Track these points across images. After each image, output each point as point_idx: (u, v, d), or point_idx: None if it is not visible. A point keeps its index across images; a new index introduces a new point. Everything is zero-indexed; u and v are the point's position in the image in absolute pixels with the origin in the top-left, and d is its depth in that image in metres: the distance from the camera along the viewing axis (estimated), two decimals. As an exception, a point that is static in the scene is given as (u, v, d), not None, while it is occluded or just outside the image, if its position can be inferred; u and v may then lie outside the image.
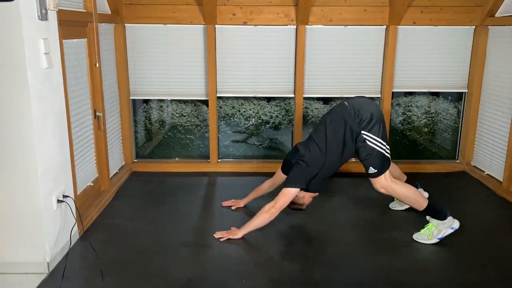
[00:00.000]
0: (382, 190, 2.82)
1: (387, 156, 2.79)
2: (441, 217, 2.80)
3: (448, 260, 2.62)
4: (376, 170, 2.77)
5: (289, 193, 2.79)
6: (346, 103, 2.85)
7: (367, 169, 2.80)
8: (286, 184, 2.81)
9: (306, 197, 2.97)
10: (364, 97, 2.95)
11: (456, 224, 2.80)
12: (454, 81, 4.14)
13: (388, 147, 2.81)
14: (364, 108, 2.78)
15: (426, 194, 3.30)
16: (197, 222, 3.11)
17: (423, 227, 2.83)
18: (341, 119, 2.79)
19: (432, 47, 4.04)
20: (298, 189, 2.81)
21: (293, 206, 2.97)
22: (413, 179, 3.39)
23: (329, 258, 2.65)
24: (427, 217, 2.87)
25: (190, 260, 2.62)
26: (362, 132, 2.75)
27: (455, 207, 3.34)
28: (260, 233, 2.85)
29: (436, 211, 2.83)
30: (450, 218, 2.80)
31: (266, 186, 3.23)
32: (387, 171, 2.79)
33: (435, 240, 2.77)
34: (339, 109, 2.87)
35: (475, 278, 2.41)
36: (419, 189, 3.30)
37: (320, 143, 2.83)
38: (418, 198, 2.83)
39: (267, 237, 2.88)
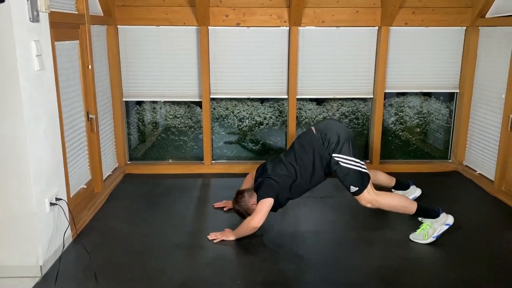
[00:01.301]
0: (368, 205, 2.84)
1: (364, 172, 2.82)
2: (434, 215, 2.82)
3: (441, 258, 2.63)
4: (357, 188, 2.80)
5: (265, 205, 2.75)
6: (313, 129, 2.91)
7: (348, 188, 2.83)
8: (258, 198, 2.80)
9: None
10: (332, 119, 3.00)
11: (450, 219, 2.80)
12: (446, 81, 4.17)
13: (362, 163, 2.84)
14: (330, 130, 2.84)
15: (418, 191, 3.31)
16: (191, 223, 3.10)
17: (418, 227, 2.84)
18: (310, 146, 2.85)
19: (423, 47, 4.07)
20: (272, 199, 2.78)
21: (239, 211, 2.96)
22: (405, 179, 3.42)
23: (323, 258, 2.66)
24: (420, 218, 2.89)
25: (184, 262, 2.61)
26: (333, 155, 2.80)
27: (448, 206, 3.35)
28: (254, 235, 2.85)
29: (427, 211, 2.85)
30: (443, 215, 2.81)
31: (250, 178, 3.23)
32: (369, 186, 2.81)
33: (431, 239, 2.78)
34: (307, 136, 2.92)
35: (468, 276, 2.43)
36: (411, 186, 3.31)
37: (289, 167, 2.87)
38: (406, 204, 2.84)
39: (261, 238, 2.88)
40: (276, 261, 2.62)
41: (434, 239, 2.77)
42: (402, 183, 3.35)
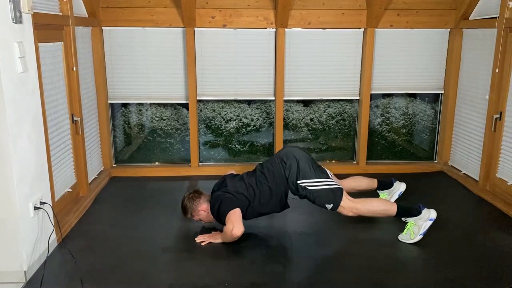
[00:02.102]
0: (350, 214, 2.85)
1: (334, 187, 2.84)
2: (416, 213, 2.83)
3: (427, 258, 2.66)
4: (332, 204, 2.82)
5: (234, 215, 2.74)
6: (275, 157, 2.96)
7: (324, 207, 2.85)
8: (222, 212, 2.79)
9: (207, 217, 2.96)
10: (291, 146, 3.04)
11: (433, 214, 2.81)
12: (431, 82, 4.22)
13: (329, 179, 2.87)
14: (289, 157, 2.89)
15: (403, 186, 3.28)
16: (178, 226, 3.08)
17: (404, 227, 2.86)
18: (271, 173, 2.90)
19: (409, 49, 4.11)
20: (238, 208, 2.77)
21: (185, 207, 2.95)
22: (387, 177, 3.42)
23: (312, 259, 2.66)
24: (403, 218, 2.91)
25: (171, 265, 2.60)
26: (299, 182, 2.83)
27: (433, 206, 3.38)
28: (242, 237, 2.84)
29: (408, 210, 2.86)
30: (425, 211, 2.82)
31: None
32: (344, 197, 2.83)
33: (419, 237, 2.79)
34: (270, 163, 2.96)
35: (454, 276, 2.46)
36: (395, 183, 3.30)
37: (249, 188, 2.90)
38: (386, 207, 2.86)
39: (249, 240, 2.87)
40: (264, 262, 2.61)
41: (421, 236, 2.79)
42: (385, 182, 3.32)
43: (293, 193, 2.92)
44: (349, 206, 2.82)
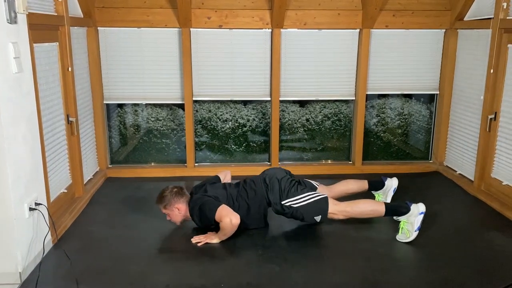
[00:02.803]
0: (341, 218, 2.89)
1: (319, 198, 2.87)
2: (405, 211, 2.83)
3: (423, 258, 2.67)
4: (320, 216, 2.86)
5: (224, 209, 2.77)
6: (259, 178, 3.00)
7: (314, 221, 2.89)
8: (212, 214, 2.78)
9: (175, 216, 2.95)
10: (274, 168, 3.07)
11: (421, 207, 2.82)
12: (426, 83, 4.23)
13: (312, 191, 2.90)
14: (271, 177, 2.95)
15: (395, 180, 3.27)
16: (174, 227, 3.07)
17: (398, 227, 2.87)
18: (252, 191, 2.95)
19: (404, 50, 4.13)
20: (223, 204, 2.80)
21: (163, 198, 2.93)
22: (377, 177, 3.41)
23: (307, 259, 2.66)
24: (394, 218, 2.91)
25: (167, 266, 2.59)
26: (283, 202, 2.87)
27: (429, 206, 3.39)
28: (238, 237, 2.84)
29: (396, 209, 2.87)
30: (413, 206, 2.83)
31: (223, 176, 3.25)
32: (331, 204, 2.86)
33: (415, 234, 2.79)
34: (253, 181, 3.00)
35: (449, 275, 2.46)
36: (386, 181, 3.28)
37: (229, 198, 2.93)
38: (373, 207, 2.88)
39: (245, 241, 2.87)
40: (260, 263, 2.61)
41: (417, 231, 2.79)
42: (376, 183, 3.31)
43: (278, 213, 2.96)
44: (337, 210, 2.86)
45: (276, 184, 2.92)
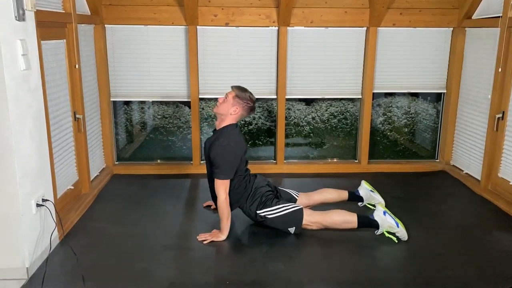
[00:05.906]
0: (315, 228, 2.90)
1: (293, 210, 2.88)
2: (376, 224, 2.84)
3: (428, 257, 2.66)
4: (294, 227, 2.87)
5: (223, 184, 2.81)
6: (257, 176, 3.06)
7: (288, 232, 2.89)
8: (217, 163, 2.80)
9: (223, 109, 2.94)
10: (260, 177, 3.09)
11: (379, 211, 2.85)
12: (433, 82, 4.21)
13: (285, 204, 2.91)
14: (257, 187, 2.98)
15: (364, 185, 3.26)
16: (180, 224, 3.09)
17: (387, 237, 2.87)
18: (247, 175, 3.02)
19: (411, 48, 4.11)
20: (227, 180, 2.83)
21: (239, 88, 2.96)
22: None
23: (312, 258, 2.67)
24: (375, 232, 2.87)
25: (173, 263, 2.60)
26: (258, 212, 2.90)
27: (435, 205, 3.40)
28: (242, 235, 2.85)
29: (369, 223, 2.86)
30: (378, 219, 2.83)
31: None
32: (305, 215, 2.86)
33: (401, 231, 2.78)
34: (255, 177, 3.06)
35: (454, 275, 2.45)
36: (360, 192, 3.25)
37: (247, 178, 3.00)
38: (345, 218, 2.87)
39: (250, 239, 2.88)
40: (265, 261, 2.61)
41: (399, 228, 2.79)
42: (354, 195, 3.25)
43: (250, 218, 2.98)
44: (312, 221, 2.88)
45: (258, 193, 2.94)
